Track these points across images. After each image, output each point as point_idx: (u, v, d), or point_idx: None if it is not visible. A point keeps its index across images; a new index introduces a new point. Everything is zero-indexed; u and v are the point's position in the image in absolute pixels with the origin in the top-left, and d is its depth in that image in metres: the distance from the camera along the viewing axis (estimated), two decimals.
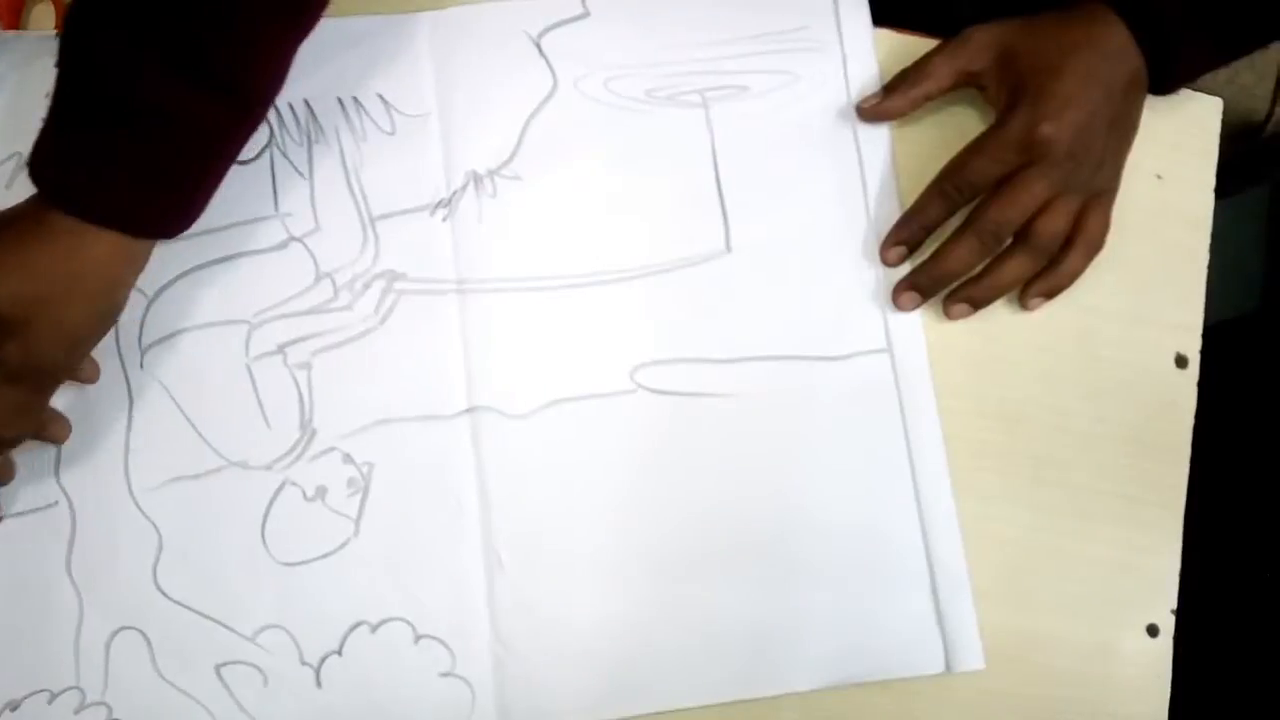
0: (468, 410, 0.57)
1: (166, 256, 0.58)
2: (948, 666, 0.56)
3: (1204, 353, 0.61)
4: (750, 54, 0.61)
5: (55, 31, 0.61)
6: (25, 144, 0.58)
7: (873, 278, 0.60)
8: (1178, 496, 0.59)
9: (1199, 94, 0.62)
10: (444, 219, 0.59)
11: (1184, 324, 0.61)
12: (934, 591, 0.57)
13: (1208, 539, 0.62)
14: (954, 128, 0.60)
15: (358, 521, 0.56)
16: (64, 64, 0.48)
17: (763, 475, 0.58)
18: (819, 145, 0.61)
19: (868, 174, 0.60)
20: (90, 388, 0.57)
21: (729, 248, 0.60)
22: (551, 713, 0.55)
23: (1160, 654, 0.58)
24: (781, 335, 0.59)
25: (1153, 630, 0.58)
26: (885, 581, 0.57)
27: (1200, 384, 0.60)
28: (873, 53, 0.62)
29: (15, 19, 0.62)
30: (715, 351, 0.59)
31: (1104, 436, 0.60)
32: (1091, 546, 0.59)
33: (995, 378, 0.59)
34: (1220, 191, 0.62)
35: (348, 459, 0.57)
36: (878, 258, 0.60)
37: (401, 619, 0.55)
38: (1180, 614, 0.59)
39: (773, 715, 0.56)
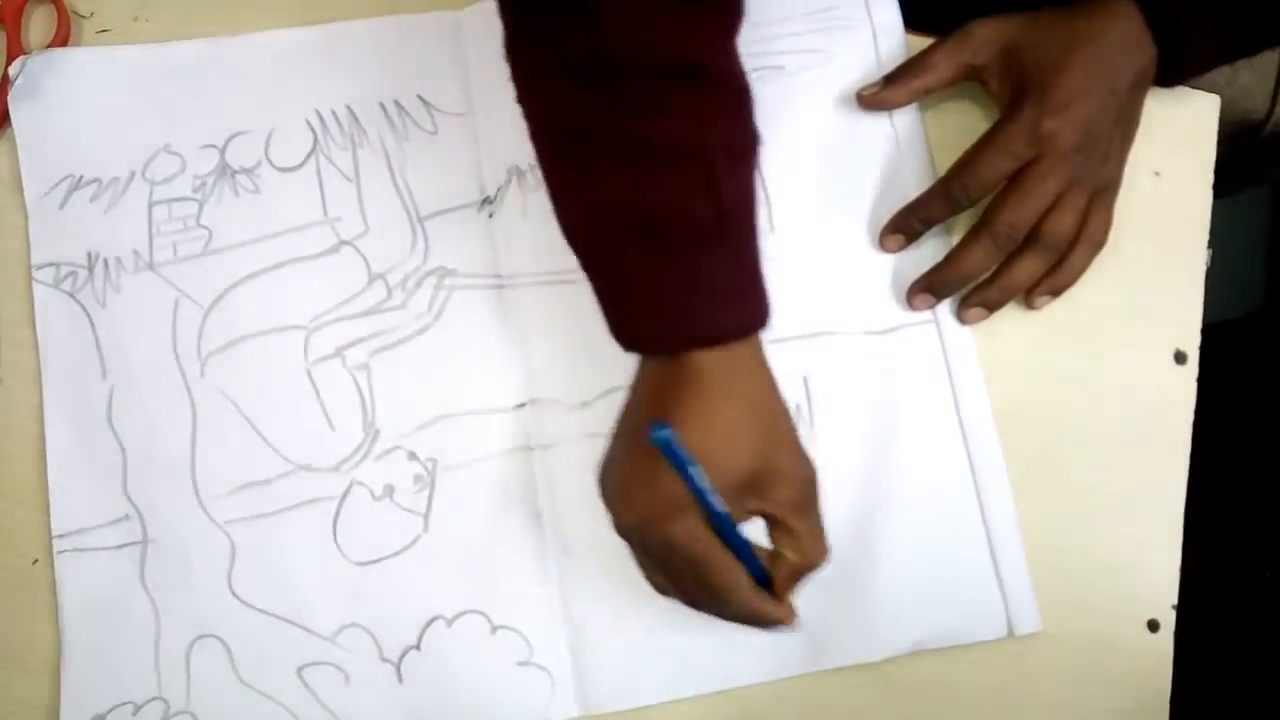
0: (526, 402, 0.58)
1: (221, 266, 0.59)
2: (1010, 630, 0.57)
3: (1205, 351, 0.60)
4: (783, 35, 0.62)
5: (59, 39, 0.61)
6: (77, 165, 0.59)
7: (912, 250, 0.60)
8: (1177, 492, 0.59)
9: (1197, 92, 0.62)
10: (490, 215, 0.60)
11: (1182, 320, 0.61)
12: (993, 558, 0.57)
13: (1208, 535, 0.61)
14: (990, 103, 0.60)
15: (426, 517, 0.57)
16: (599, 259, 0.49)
17: (821, 450, 0.57)
18: (855, 121, 0.61)
19: (904, 148, 0.61)
20: (152, 397, 0.57)
21: (772, 227, 0.60)
22: (630, 694, 0.56)
23: (1161, 649, 0.58)
24: (827, 311, 0.59)
25: (1153, 625, 0.58)
26: (947, 550, 0.57)
27: (1201, 383, 0.60)
28: (901, 27, 0.62)
29: (17, 19, 0.62)
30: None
31: (1103, 433, 0.59)
32: (1091, 542, 0.59)
33: (994, 374, 0.59)
34: (1221, 191, 0.62)
35: (412, 456, 0.57)
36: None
37: (477, 611, 0.56)
38: (1181, 609, 0.58)
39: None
